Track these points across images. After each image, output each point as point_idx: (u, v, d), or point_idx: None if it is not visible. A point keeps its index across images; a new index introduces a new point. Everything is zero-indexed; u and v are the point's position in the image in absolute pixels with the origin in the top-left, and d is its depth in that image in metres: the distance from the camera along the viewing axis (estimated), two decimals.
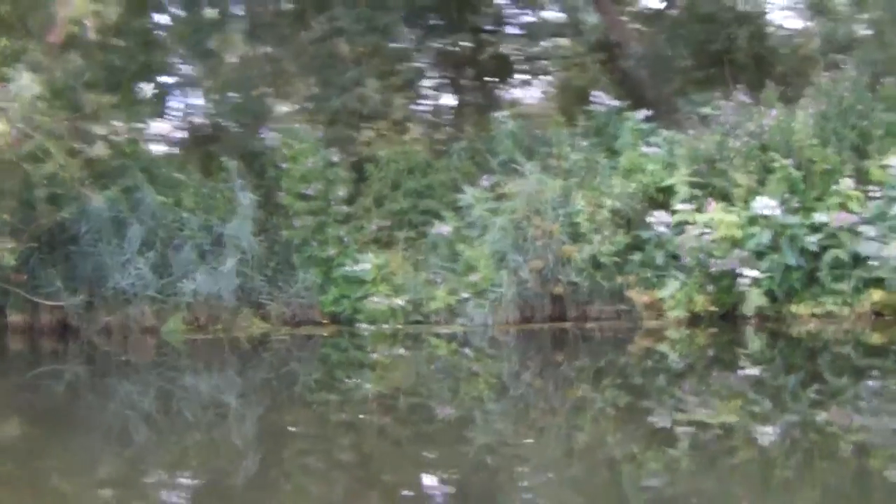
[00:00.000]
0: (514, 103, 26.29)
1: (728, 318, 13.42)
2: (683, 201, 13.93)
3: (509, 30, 24.11)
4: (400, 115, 24.12)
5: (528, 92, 27.29)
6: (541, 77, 27.08)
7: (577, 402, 9.62)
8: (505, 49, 25.04)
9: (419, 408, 9.63)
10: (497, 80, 25.18)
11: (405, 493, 6.85)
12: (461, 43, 23.79)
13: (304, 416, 9.53)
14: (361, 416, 9.39)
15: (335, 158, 15.97)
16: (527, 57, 25.58)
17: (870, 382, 9.79)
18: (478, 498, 6.71)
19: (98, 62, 14.85)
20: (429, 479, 7.21)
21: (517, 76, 26.56)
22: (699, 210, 13.73)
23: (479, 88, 25.03)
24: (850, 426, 8.04)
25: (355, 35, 18.92)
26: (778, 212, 13.02)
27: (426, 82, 24.37)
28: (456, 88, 23.99)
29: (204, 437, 8.91)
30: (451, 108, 24.23)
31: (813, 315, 12.97)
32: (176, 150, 18.80)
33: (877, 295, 12.65)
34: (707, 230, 13.34)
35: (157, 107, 18.87)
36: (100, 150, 14.11)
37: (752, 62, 21.22)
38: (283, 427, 9.04)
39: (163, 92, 18.96)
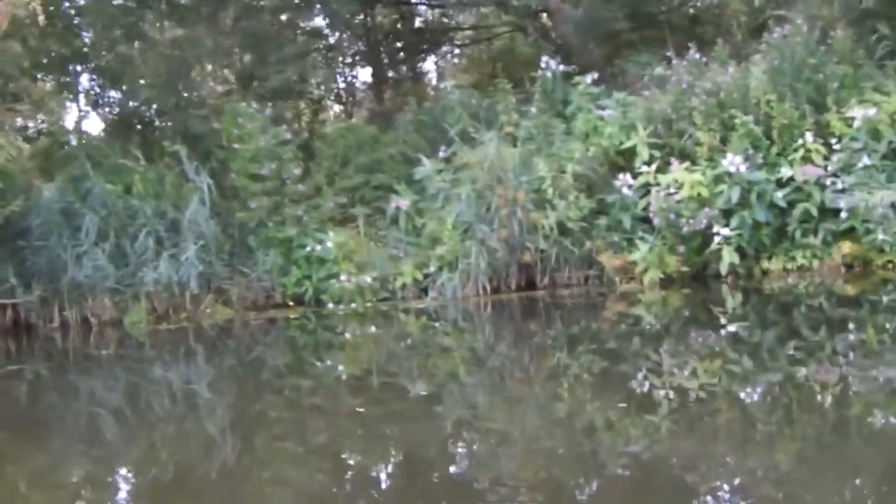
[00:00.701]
0: (443, 74, 26.11)
1: (699, 277, 13.42)
2: (644, 163, 13.89)
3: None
4: (329, 91, 23.84)
5: (457, 62, 27.09)
6: (472, 46, 26.90)
7: (569, 370, 9.50)
8: (432, 20, 24.87)
9: (391, 387, 9.41)
10: (425, 51, 25.00)
11: (385, 473, 6.78)
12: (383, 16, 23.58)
13: (275, 403, 9.30)
14: (335, 399, 9.20)
15: (288, 136, 15.54)
16: (454, 28, 25.43)
17: (848, 335, 9.79)
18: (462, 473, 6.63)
19: (35, 49, 14.22)
20: (407, 456, 7.15)
21: (447, 47, 26.40)
22: (661, 171, 13.69)
23: (405, 61, 24.80)
24: (830, 380, 8.05)
25: (277, 11, 18.60)
26: (744, 168, 12.99)
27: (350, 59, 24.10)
28: (377, 63, 23.70)
29: (176, 430, 8.65)
30: (384, 81, 23.90)
31: (784, 270, 13.02)
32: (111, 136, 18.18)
33: (846, 247, 12.73)
34: (672, 191, 13.28)
35: (88, 93, 18.32)
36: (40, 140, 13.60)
37: (687, 22, 21.30)
38: (255, 414, 8.81)
39: (89, 78, 18.40)
